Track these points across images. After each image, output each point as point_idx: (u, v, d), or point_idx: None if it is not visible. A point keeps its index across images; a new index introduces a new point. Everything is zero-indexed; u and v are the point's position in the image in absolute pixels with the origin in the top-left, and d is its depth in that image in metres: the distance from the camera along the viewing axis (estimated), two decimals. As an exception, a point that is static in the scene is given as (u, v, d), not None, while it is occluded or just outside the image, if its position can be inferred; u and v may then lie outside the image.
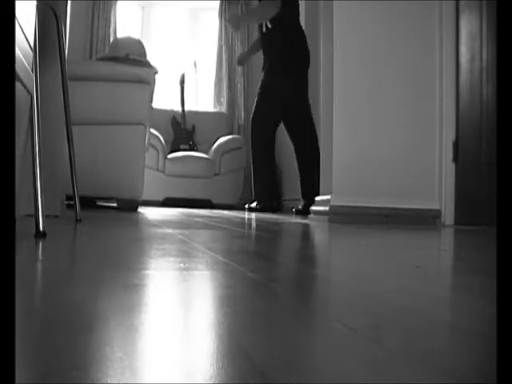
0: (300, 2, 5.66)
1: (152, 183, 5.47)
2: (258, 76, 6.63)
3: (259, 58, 6.67)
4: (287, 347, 0.39)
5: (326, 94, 3.07)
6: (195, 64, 6.66)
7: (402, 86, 2.98)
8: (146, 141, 3.61)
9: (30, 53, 1.33)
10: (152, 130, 5.36)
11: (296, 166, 5.83)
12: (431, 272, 0.88)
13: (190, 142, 6.12)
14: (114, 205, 4.17)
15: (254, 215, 3.72)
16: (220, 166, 5.81)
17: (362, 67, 2.95)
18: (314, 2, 5.39)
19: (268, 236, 1.63)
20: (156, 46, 6.50)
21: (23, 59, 1.23)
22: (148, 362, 0.34)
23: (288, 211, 5.60)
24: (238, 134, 6.39)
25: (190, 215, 3.13)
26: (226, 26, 6.35)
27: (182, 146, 6.06)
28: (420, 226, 2.72)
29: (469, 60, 2.98)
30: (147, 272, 0.73)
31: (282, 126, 6.44)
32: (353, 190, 2.89)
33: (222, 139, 5.96)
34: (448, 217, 3.02)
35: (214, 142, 6.04)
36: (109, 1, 6.04)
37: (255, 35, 6.64)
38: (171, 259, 0.89)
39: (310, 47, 5.70)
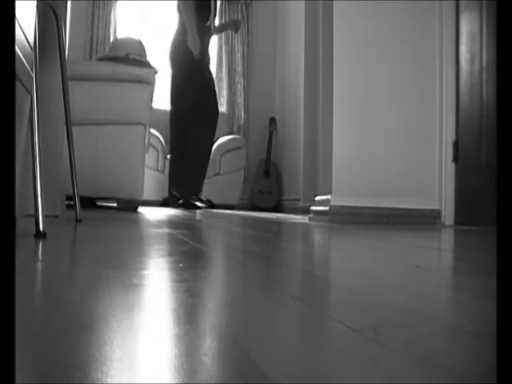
0: (300, 1, 5.67)
1: (152, 183, 5.48)
2: (258, 76, 6.64)
3: (260, 58, 6.67)
4: (287, 347, 0.39)
5: (326, 94, 3.07)
6: (195, 64, 6.66)
7: (402, 85, 2.98)
8: (146, 141, 3.61)
9: (30, 53, 1.33)
10: (152, 130, 5.36)
11: (296, 166, 5.83)
12: (431, 272, 0.88)
13: (190, 142, 6.12)
14: (114, 205, 4.17)
15: (253, 214, 3.72)
16: (220, 165, 5.81)
17: (361, 67, 2.95)
18: (314, 2, 5.39)
19: (268, 236, 1.63)
20: (156, 46, 6.50)
21: (23, 59, 1.23)
22: (148, 362, 0.34)
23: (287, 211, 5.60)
24: (238, 134, 6.39)
25: (189, 215, 3.13)
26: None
27: (182, 146, 6.06)
28: (420, 226, 2.72)
29: (469, 60, 2.98)
30: (147, 272, 0.73)
31: (281, 124, 6.45)
32: (353, 190, 2.89)
33: (222, 139, 5.96)
34: (448, 217, 3.02)
35: (214, 142, 6.04)
36: (109, 1, 6.04)
37: (255, 35, 6.64)
38: (171, 259, 0.89)
39: (310, 47, 5.70)
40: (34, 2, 1.37)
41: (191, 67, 4.45)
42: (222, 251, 1.09)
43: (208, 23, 4.54)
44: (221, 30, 4.90)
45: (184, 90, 4.48)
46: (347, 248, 1.34)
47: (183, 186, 4.50)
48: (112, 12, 6.08)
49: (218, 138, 6.07)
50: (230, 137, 5.99)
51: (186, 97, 4.46)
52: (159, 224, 1.99)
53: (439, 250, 1.35)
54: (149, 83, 3.45)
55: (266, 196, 6.12)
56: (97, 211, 3.04)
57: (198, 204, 4.53)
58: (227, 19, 6.37)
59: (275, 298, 0.58)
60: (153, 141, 5.44)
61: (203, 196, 5.67)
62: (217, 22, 4.87)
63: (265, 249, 1.18)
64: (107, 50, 5.49)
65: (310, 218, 3.13)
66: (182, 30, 4.49)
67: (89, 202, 3.86)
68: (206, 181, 5.73)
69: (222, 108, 6.44)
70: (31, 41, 1.33)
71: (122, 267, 0.76)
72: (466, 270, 0.93)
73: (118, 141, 3.34)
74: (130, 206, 3.44)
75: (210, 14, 4.54)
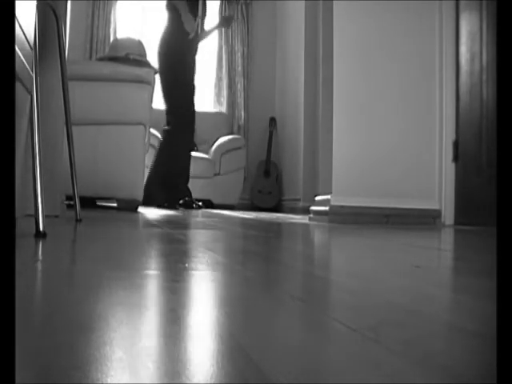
0: (300, 1, 5.67)
1: (152, 183, 5.46)
2: (259, 76, 6.64)
3: (260, 58, 6.67)
4: (287, 347, 0.39)
5: (326, 93, 3.07)
6: (195, 64, 6.66)
7: (401, 85, 2.98)
8: (146, 141, 3.61)
9: (30, 53, 1.33)
10: (152, 130, 5.36)
11: (296, 165, 5.83)
12: (431, 272, 0.88)
13: (190, 142, 6.12)
14: (114, 205, 4.17)
15: (253, 215, 3.71)
16: (220, 165, 5.81)
17: (361, 67, 2.95)
18: (314, 2, 5.39)
19: (268, 236, 1.63)
20: (156, 46, 6.49)
21: (23, 59, 1.23)
22: (148, 362, 0.34)
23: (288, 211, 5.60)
24: (238, 134, 6.39)
25: (189, 215, 3.13)
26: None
27: (182, 146, 6.06)
28: (420, 226, 2.72)
29: (469, 60, 2.98)
30: (147, 272, 0.73)
31: (281, 125, 6.46)
32: (353, 190, 2.89)
33: (222, 139, 5.96)
34: (448, 217, 3.02)
35: (214, 142, 6.04)
36: (109, 1, 6.04)
37: (255, 35, 6.64)
38: (171, 259, 0.89)
39: (310, 47, 5.71)
40: (34, 2, 1.37)
41: (176, 64, 4.47)
42: (222, 251, 1.09)
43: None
44: (213, 30, 4.84)
45: (171, 86, 4.50)
46: (347, 248, 1.34)
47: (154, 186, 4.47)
48: (112, 12, 6.08)
49: (218, 138, 6.08)
50: (230, 137, 5.99)
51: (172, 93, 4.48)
52: (159, 224, 1.99)
53: (439, 250, 1.35)
54: (149, 83, 3.45)
55: (266, 196, 6.12)
56: (97, 211, 3.04)
57: (194, 204, 4.52)
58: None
59: (275, 298, 0.58)
60: (153, 141, 5.44)
61: (203, 196, 5.68)
62: (208, 24, 4.80)
63: (265, 249, 1.18)
64: (107, 50, 5.50)
65: (310, 218, 3.13)
66: (169, 29, 4.53)
67: (89, 202, 3.86)
68: (206, 181, 5.74)
69: (222, 108, 6.44)
70: (31, 41, 1.33)
71: (122, 267, 0.76)
72: (466, 270, 0.93)
73: (118, 141, 3.33)
74: (130, 206, 3.44)
75: (197, 15, 4.51)
